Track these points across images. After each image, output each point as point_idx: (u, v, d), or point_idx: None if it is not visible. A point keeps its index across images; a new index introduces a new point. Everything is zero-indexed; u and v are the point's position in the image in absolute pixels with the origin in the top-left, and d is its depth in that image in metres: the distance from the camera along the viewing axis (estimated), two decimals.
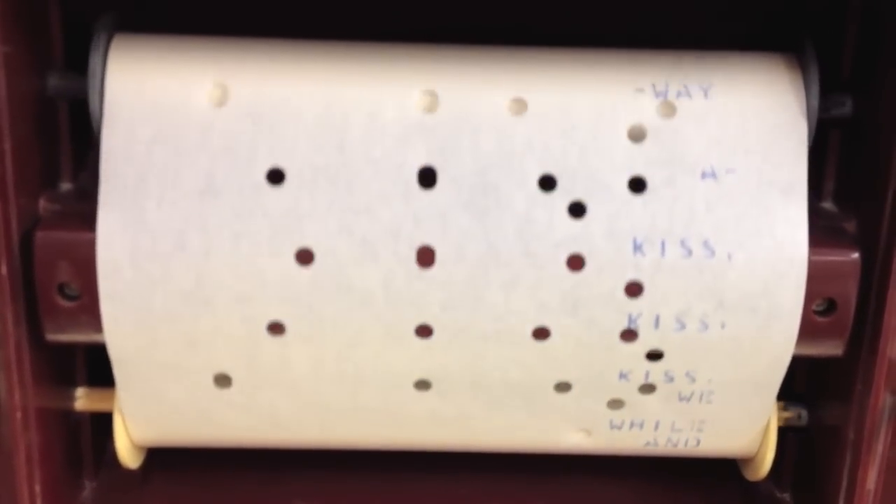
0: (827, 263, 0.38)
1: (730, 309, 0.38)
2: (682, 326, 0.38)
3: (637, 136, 0.38)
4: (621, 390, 0.40)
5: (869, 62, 0.40)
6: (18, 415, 0.38)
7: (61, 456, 0.42)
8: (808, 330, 0.39)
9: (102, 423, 0.42)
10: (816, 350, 0.40)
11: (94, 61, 0.38)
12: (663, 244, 0.37)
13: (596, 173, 0.37)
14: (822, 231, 0.39)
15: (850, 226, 0.40)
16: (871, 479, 0.40)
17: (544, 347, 0.39)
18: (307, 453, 0.43)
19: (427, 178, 0.37)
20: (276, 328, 0.38)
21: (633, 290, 0.38)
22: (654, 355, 0.39)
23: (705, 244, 0.37)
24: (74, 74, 0.39)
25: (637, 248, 0.37)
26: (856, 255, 0.39)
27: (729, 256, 0.37)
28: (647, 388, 0.40)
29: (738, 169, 0.37)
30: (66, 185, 0.41)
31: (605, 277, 0.38)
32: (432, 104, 0.37)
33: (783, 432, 0.43)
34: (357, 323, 0.38)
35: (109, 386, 0.41)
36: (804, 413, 0.44)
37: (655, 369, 0.39)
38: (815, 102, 0.39)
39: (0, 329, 0.37)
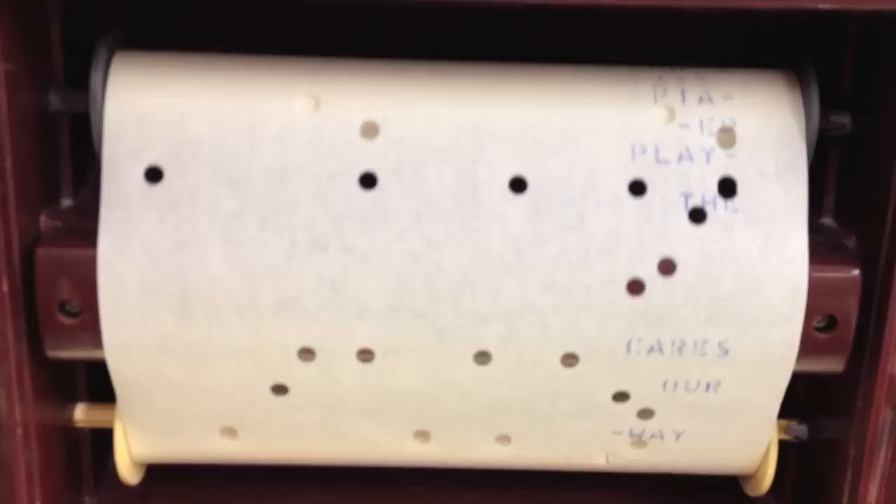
0: (827, 280, 0.38)
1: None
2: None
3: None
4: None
5: (868, 78, 0.40)
6: (19, 431, 0.38)
7: (62, 472, 0.42)
8: (808, 347, 0.39)
9: (103, 439, 0.42)
10: (817, 367, 0.40)
11: (95, 78, 0.38)
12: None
13: None
14: (822, 248, 0.39)
15: (850, 242, 0.40)
16: (872, 494, 0.40)
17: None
18: (307, 468, 0.43)
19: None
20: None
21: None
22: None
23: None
24: (75, 91, 0.39)
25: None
26: (856, 272, 0.39)
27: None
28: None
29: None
30: (66, 202, 0.41)
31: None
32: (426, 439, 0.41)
33: (783, 447, 0.43)
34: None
35: (110, 402, 0.41)
36: (805, 428, 0.44)
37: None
38: (815, 119, 0.39)
39: (1, 345, 0.37)
